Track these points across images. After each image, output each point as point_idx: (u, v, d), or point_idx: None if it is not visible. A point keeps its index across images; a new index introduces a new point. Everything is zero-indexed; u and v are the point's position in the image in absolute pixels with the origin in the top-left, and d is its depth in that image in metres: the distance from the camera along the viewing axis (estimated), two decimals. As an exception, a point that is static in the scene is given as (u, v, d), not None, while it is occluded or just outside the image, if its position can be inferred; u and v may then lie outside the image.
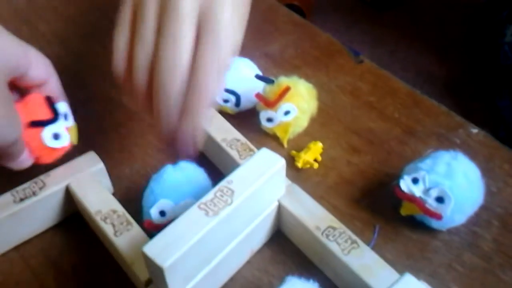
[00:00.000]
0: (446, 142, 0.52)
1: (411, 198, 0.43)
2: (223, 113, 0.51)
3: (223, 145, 0.47)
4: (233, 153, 0.46)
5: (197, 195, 0.38)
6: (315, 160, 0.50)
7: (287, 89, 0.49)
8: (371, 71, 0.61)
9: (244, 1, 0.40)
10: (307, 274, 0.37)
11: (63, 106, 0.43)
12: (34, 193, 0.42)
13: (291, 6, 0.79)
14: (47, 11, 0.72)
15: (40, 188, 0.42)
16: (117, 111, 0.56)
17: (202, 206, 0.36)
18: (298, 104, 0.50)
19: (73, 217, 0.46)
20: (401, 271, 0.37)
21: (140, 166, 0.50)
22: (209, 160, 0.50)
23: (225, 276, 0.41)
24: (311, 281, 0.36)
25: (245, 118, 0.53)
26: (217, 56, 0.36)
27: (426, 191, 0.42)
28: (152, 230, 0.40)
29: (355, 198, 0.47)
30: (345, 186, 0.48)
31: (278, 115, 0.50)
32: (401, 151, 0.51)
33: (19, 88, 0.41)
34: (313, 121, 0.53)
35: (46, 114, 0.41)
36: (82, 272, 0.43)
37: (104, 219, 0.41)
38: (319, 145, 0.51)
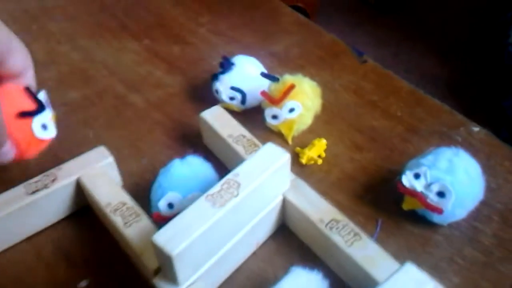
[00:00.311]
0: (447, 140, 0.53)
1: (413, 193, 0.44)
2: (229, 110, 0.52)
3: (229, 141, 0.48)
4: (239, 149, 0.47)
5: (204, 189, 0.39)
6: (319, 157, 0.51)
7: (291, 87, 0.50)
8: (374, 70, 0.62)
9: None
10: (311, 265, 0.38)
11: (42, 96, 0.43)
12: (45, 186, 0.43)
13: (295, 8, 0.80)
14: (56, 10, 0.73)
15: (52, 181, 0.44)
16: (125, 108, 0.58)
17: (209, 197, 0.37)
18: (303, 101, 0.51)
19: (83, 210, 0.47)
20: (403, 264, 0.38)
21: (147, 161, 0.51)
22: (215, 155, 0.51)
23: (231, 267, 0.42)
24: (315, 271, 0.37)
25: (250, 116, 0.54)
26: None
27: (428, 186, 0.43)
28: (160, 222, 0.41)
29: (358, 194, 0.48)
30: (348, 182, 0.49)
31: (283, 112, 0.51)
32: (403, 149, 0.52)
33: None
34: (317, 118, 0.54)
35: (31, 105, 0.40)
36: (92, 262, 0.44)
37: (114, 211, 0.42)
38: (323, 141, 0.52)
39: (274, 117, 0.52)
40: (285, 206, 0.44)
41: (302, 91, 0.51)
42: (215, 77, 0.55)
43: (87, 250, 0.45)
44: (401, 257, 0.41)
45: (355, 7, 1.79)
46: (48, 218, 0.45)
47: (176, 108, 0.58)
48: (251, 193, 0.38)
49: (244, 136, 0.48)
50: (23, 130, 0.40)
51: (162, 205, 0.42)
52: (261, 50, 0.64)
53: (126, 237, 0.40)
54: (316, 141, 0.52)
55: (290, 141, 0.53)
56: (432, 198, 0.43)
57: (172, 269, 0.35)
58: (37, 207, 0.43)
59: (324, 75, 0.61)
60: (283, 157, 0.40)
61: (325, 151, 0.52)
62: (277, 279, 0.37)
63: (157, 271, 0.38)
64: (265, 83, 0.53)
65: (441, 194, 0.42)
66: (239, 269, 0.43)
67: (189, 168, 0.44)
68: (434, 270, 0.42)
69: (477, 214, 0.45)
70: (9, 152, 0.40)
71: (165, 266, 0.36)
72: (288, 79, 0.52)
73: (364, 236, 0.40)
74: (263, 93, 0.52)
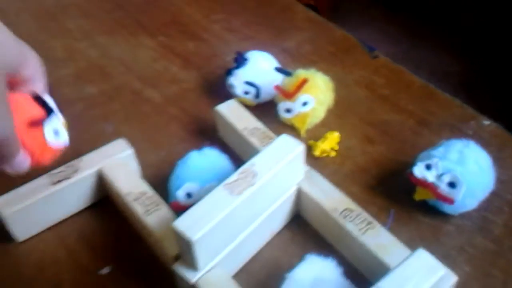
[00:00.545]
0: (458, 133, 0.54)
1: (424, 184, 0.45)
2: (243, 104, 0.53)
3: (244, 133, 0.49)
4: (254, 141, 0.48)
5: (220, 179, 0.40)
6: (332, 149, 0.52)
7: (304, 81, 0.52)
8: (385, 65, 0.63)
9: None
10: (325, 253, 0.39)
11: (50, 101, 0.42)
12: (68, 176, 0.45)
13: (307, 6, 0.81)
14: (73, 8, 0.75)
15: (74, 172, 0.45)
16: (142, 103, 0.59)
17: (227, 186, 0.38)
18: (316, 95, 0.52)
19: (104, 200, 0.48)
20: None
21: (165, 154, 0.53)
22: (231, 148, 0.53)
23: (248, 254, 0.43)
24: (329, 259, 0.39)
25: (264, 109, 0.55)
26: None
27: (439, 176, 0.44)
28: (178, 210, 0.43)
29: (371, 185, 0.49)
30: (361, 173, 0.51)
31: (296, 106, 0.52)
32: (414, 141, 0.53)
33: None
34: (330, 112, 0.55)
35: (40, 112, 0.40)
36: (113, 250, 0.45)
37: (135, 200, 0.43)
38: (336, 134, 0.53)
39: (288, 110, 0.53)
40: (299, 196, 0.45)
41: (315, 85, 0.52)
42: (229, 72, 0.56)
43: (109, 238, 0.46)
44: (413, 246, 0.42)
45: (366, 4, 1.79)
46: (70, 207, 0.47)
47: (191, 103, 0.59)
48: (267, 182, 0.39)
49: (258, 129, 0.50)
50: (35, 138, 0.40)
51: (180, 194, 0.43)
52: (274, 46, 0.65)
53: (146, 225, 0.42)
54: (328, 134, 0.53)
55: (303, 134, 0.54)
56: (443, 188, 0.44)
57: (192, 255, 0.36)
58: (61, 197, 0.45)
59: (336, 70, 0.62)
60: (298, 148, 0.42)
61: (338, 144, 0.53)
62: (292, 266, 0.38)
63: (177, 258, 0.39)
64: (278, 78, 0.54)
65: (452, 184, 0.43)
66: (255, 257, 0.44)
67: (206, 159, 0.45)
68: (445, 258, 0.43)
69: (487, 205, 0.46)
70: (24, 162, 0.40)
71: (185, 251, 0.37)
72: (301, 73, 0.53)
73: (377, 225, 0.41)
74: (277, 87, 0.53)
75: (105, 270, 0.44)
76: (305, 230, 0.46)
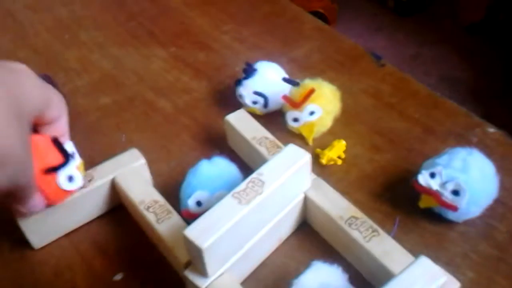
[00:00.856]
0: (463, 141, 0.54)
1: (429, 192, 0.46)
2: (252, 113, 0.55)
3: (253, 142, 0.51)
4: (262, 150, 0.50)
5: (230, 187, 0.42)
6: (339, 157, 0.53)
7: (312, 91, 0.53)
8: (392, 74, 0.64)
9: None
10: (331, 260, 0.40)
11: (70, 146, 0.44)
12: (83, 186, 0.46)
13: (315, 14, 0.83)
14: (87, 20, 0.77)
15: (89, 181, 0.47)
16: (154, 112, 0.61)
17: (235, 195, 0.40)
18: (323, 105, 0.53)
19: (117, 208, 0.50)
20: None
21: (176, 163, 0.54)
22: (240, 157, 0.54)
23: (256, 261, 0.45)
24: (335, 265, 0.40)
25: (272, 119, 0.57)
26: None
27: (443, 184, 0.45)
28: (189, 218, 0.44)
29: (376, 193, 0.50)
30: (367, 181, 0.52)
31: (303, 115, 0.53)
32: (420, 149, 0.54)
33: None
34: (337, 121, 0.56)
35: (57, 158, 0.42)
36: (126, 257, 0.47)
37: (147, 208, 0.45)
38: (343, 142, 0.54)
39: (295, 120, 0.54)
40: (306, 204, 0.46)
41: (322, 94, 0.53)
42: (238, 82, 0.57)
43: (122, 245, 0.48)
44: (417, 253, 0.42)
45: (374, 11, 1.80)
46: (85, 215, 0.48)
47: (202, 112, 0.60)
48: (275, 191, 0.41)
49: (267, 138, 0.51)
50: (49, 184, 0.41)
51: (191, 202, 0.45)
52: (282, 55, 0.67)
53: (158, 233, 0.43)
54: (335, 142, 0.54)
55: (310, 143, 0.55)
56: (447, 196, 0.45)
57: (202, 262, 0.38)
58: (76, 205, 0.46)
59: (343, 79, 0.63)
60: (304, 157, 0.43)
61: (345, 152, 0.54)
62: (298, 273, 0.39)
63: (188, 264, 0.41)
64: (286, 88, 0.55)
65: (455, 192, 0.44)
66: (263, 264, 0.45)
67: (216, 168, 0.46)
68: (449, 265, 0.44)
69: (491, 212, 0.47)
70: (39, 204, 0.42)
71: (195, 258, 0.39)
72: (309, 83, 0.54)
73: (382, 232, 0.42)
74: (285, 97, 0.54)
75: (118, 277, 0.45)
76: (311, 237, 0.47)
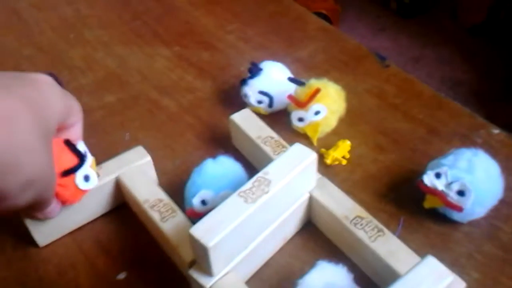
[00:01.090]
0: (468, 142, 0.54)
1: (434, 192, 0.46)
2: (256, 113, 0.55)
3: (258, 142, 0.50)
4: (267, 149, 0.50)
5: (235, 187, 0.42)
6: (343, 157, 0.53)
7: (317, 91, 0.53)
8: (396, 75, 0.64)
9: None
10: (336, 260, 0.40)
11: (82, 146, 0.44)
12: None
13: (318, 15, 0.83)
14: (92, 19, 0.77)
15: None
16: (158, 111, 0.61)
17: (241, 194, 0.40)
18: (328, 105, 0.53)
19: (121, 207, 0.50)
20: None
21: (181, 161, 0.54)
22: (244, 156, 0.54)
23: (261, 260, 0.45)
24: (340, 265, 0.40)
25: (277, 118, 0.57)
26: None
27: (448, 185, 0.45)
28: (193, 217, 0.44)
29: (381, 193, 0.50)
30: (372, 181, 0.52)
31: (308, 115, 0.53)
32: (425, 150, 0.54)
33: None
34: (341, 121, 0.56)
35: (72, 160, 0.42)
36: (129, 256, 0.47)
37: (152, 207, 0.45)
38: (347, 143, 0.54)
39: (300, 119, 0.54)
40: (311, 204, 0.46)
41: (327, 94, 0.53)
42: (244, 82, 0.57)
43: (125, 244, 0.48)
44: (422, 253, 0.42)
45: (377, 13, 1.80)
46: (89, 213, 0.48)
47: (206, 111, 0.60)
48: (280, 190, 0.41)
49: (272, 138, 0.51)
50: (67, 186, 0.42)
51: (196, 201, 0.45)
52: (287, 56, 0.67)
53: (163, 231, 0.43)
54: (340, 143, 0.54)
55: (315, 143, 0.55)
56: (452, 196, 0.45)
57: (207, 261, 0.38)
58: (80, 203, 0.46)
59: (348, 79, 0.63)
60: (310, 156, 0.43)
61: (349, 152, 0.54)
62: (303, 272, 0.39)
63: (192, 263, 0.41)
64: (291, 87, 0.55)
65: (461, 193, 0.44)
66: (267, 263, 0.45)
67: (221, 167, 0.46)
68: (454, 265, 0.44)
69: (496, 213, 0.47)
70: (56, 209, 0.43)
71: (200, 257, 0.39)
72: (314, 83, 0.54)
73: (387, 232, 0.42)
74: (290, 96, 0.54)
75: (121, 276, 0.45)
76: (316, 237, 0.47)
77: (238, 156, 0.53)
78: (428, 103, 0.60)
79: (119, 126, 0.59)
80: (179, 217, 0.44)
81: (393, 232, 0.43)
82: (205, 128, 0.58)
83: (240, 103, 0.58)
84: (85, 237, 0.48)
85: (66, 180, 0.42)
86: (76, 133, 0.43)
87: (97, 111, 0.61)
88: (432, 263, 0.37)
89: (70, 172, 0.42)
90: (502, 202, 0.46)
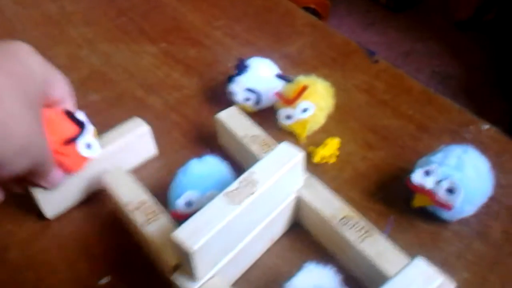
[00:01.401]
0: (457, 138, 0.54)
1: (423, 190, 0.45)
2: (244, 111, 0.54)
3: (244, 141, 0.50)
4: (254, 148, 0.49)
5: (221, 187, 0.41)
6: (332, 155, 0.52)
7: (305, 88, 0.52)
8: (386, 70, 0.63)
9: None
10: (324, 261, 0.39)
11: (81, 115, 0.45)
12: None
13: (307, 9, 0.82)
14: (77, 16, 0.75)
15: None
16: (143, 109, 0.60)
17: (227, 194, 0.39)
18: (316, 101, 0.52)
19: (104, 211, 0.49)
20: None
21: (166, 161, 0.53)
22: (231, 155, 0.53)
23: (247, 262, 0.44)
24: (328, 267, 0.39)
25: (264, 116, 0.56)
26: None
27: (437, 183, 0.44)
28: (178, 219, 0.43)
29: (370, 191, 0.50)
30: (361, 180, 0.51)
31: (296, 112, 0.52)
32: (414, 147, 0.53)
33: None
34: (330, 118, 0.55)
35: (73, 129, 0.43)
36: (112, 260, 0.46)
37: (134, 210, 0.44)
38: (336, 140, 0.53)
39: (288, 117, 0.53)
40: (298, 204, 0.45)
41: (315, 91, 0.53)
42: (230, 79, 0.56)
43: (108, 248, 0.47)
44: (411, 253, 0.42)
45: (367, 7, 1.79)
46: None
47: (193, 109, 0.59)
48: (267, 190, 0.40)
49: (258, 136, 0.50)
50: (70, 154, 0.43)
51: (180, 203, 0.44)
52: (275, 51, 0.66)
53: (146, 235, 0.42)
54: (329, 140, 0.53)
55: (303, 140, 0.54)
56: (442, 194, 0.44)
57: (191, 265, 0.37)
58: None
59: (337, 75, 0.62)
60: (297, 156, 0.42)
61: (338, 149, 0.53)
62: (291, 274, 0.38)
63: (176, 268, 0.40)
64: (279, 84, 0.55)
65: (450, 190, 0.44)
66: (254, 265, 0.45)
67: (207, 167, 0.45)
68: (444, 265, 0.43)
69: (486, 210, 0.46)
70: (58, 177, 0.42)
71: (184, 262, 0.38)
72: (302, 80, 0.53)
73: (375, 232, 0.42)
74: (278, 94, 0.53)
75: (104, 280, 0.44)
76: (304, 238, 0.46)
77: (225, 155, 0.52)
78: (417, 98, 0.59)
79: (104, 125, 0.58)
80: (163, 219, 0.43)
81: (382, 231, 0.42)
82: (191, 127, 0.57)
83: (227, 100, 0.57)
84: (67, 242, 0.47)
85: (68, 148, 0.42)
86: (69, 108, 0.44)
87: (81, 110, 0.60)
88: (421, 264, 0.36)
89: (72, 140, 0.42)
90: (492, 199, 0.46)
